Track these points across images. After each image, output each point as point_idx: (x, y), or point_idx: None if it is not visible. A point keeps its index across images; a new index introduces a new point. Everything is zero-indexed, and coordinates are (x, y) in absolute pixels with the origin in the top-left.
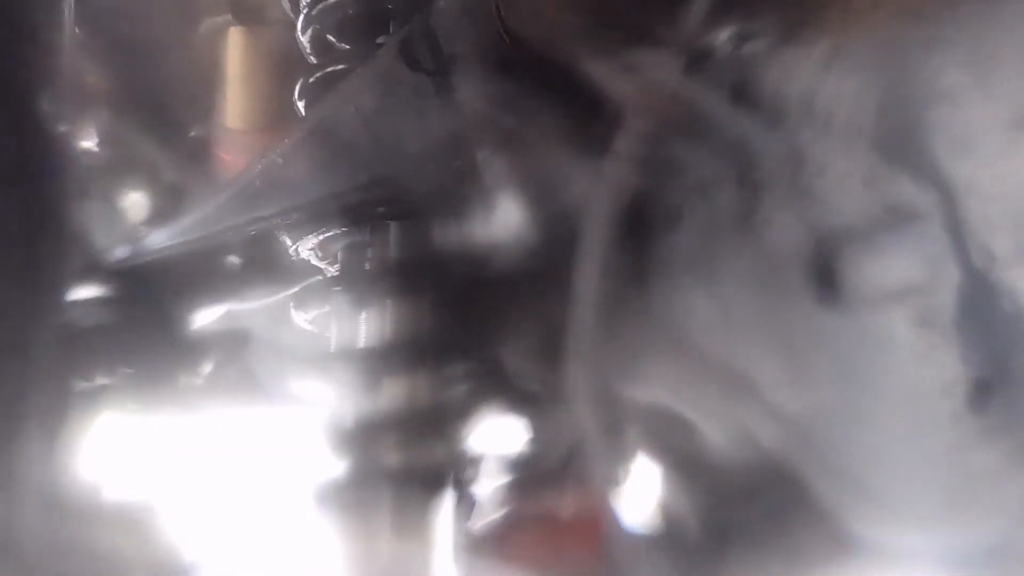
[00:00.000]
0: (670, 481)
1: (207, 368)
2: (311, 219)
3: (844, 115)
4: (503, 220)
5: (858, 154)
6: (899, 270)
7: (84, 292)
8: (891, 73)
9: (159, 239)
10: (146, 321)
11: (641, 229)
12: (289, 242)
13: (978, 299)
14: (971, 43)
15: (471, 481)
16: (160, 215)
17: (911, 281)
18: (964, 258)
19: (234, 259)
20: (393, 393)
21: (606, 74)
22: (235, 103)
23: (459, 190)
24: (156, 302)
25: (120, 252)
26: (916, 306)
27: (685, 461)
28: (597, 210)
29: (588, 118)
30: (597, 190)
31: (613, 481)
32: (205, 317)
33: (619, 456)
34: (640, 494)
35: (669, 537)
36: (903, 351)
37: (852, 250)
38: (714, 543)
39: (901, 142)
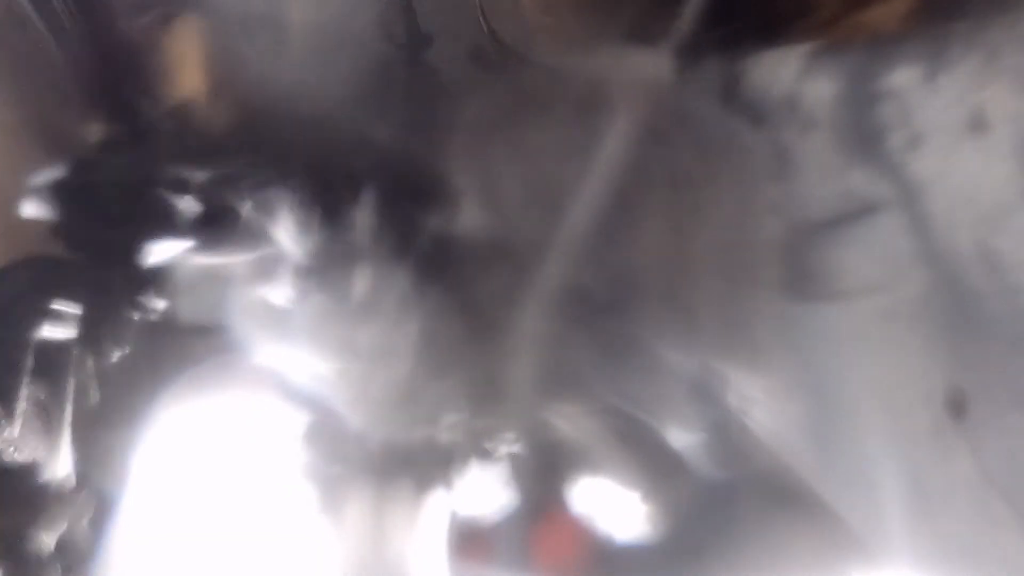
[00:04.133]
0: (642, 484)
1: (161, 306)
2: (281, 184)
3: (821, 113)
4: (482, 207)
5: (829, 149)
6: (865, 265)
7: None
8: (856, 72)
9: (113, 164)
10: (96, 252)
11: (619, 222)
12: (260, 209)
13: (945, 300)
14: (925, 46)
15: (456, 478)
16: (118, 143)
17: (877, 277)
18: (929, 257)
19: (192, 203)
20: (369, 381)
21: (596, 71)
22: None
23: (436, 175)
24: (106, 233)
25: (67, 171)
26: (883, 303)
27: (653, 464)
28: (581, 201)
29: (575, 114)
30: (583, 181)
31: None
32: (159, 255)
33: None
34: (616, 498)
35: (648, 541)
36: (877, 358)
37: (822, 244)
38: (692, 545)
39: (864, 139)
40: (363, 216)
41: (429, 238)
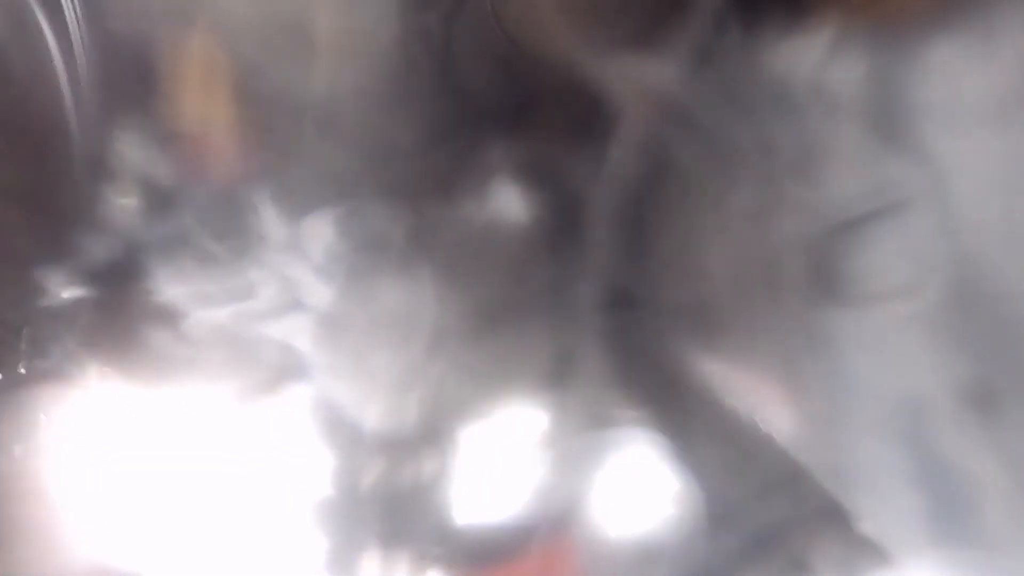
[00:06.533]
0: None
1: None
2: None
3: (848, 98)
4: (502, 206)
5: (856, 137)
6: (892, 267)
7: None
8: (888, 51)
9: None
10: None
11: (637, 227)
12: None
13: (968, 295)
14: (959, 21)
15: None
16: (150, 217)
17: (903, 279)
18: (954, 249)
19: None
20: (378, 369)
21: (605, 76)
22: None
23: (456, 172)
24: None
25: (104, 251)
26: (910, 303)
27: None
28: (597, 205)
29: (587, 115)
30: (597, 185)
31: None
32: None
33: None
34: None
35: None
36: (895, 354)
37: (847, 246)
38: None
39: (894, 120)
40: (390, 211)
41: (449, 234)
